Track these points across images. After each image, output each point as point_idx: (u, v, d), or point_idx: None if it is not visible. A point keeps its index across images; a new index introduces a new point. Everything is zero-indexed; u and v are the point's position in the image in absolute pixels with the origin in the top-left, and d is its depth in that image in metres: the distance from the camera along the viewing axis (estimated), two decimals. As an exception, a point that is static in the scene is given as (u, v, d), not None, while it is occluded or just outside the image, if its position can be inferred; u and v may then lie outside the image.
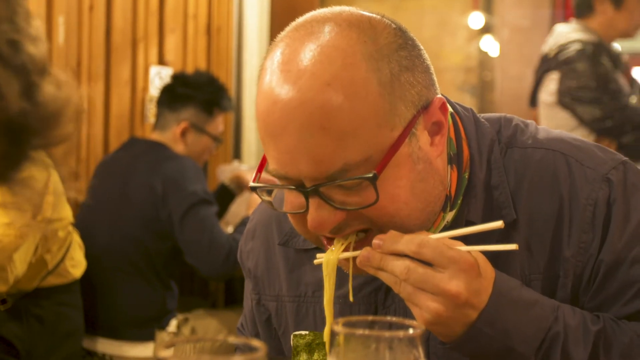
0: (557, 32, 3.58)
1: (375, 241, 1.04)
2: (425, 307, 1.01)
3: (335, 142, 1.03)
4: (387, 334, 0.83)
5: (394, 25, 1.10)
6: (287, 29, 1.11)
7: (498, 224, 1.04)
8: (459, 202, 1.18)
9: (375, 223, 1.09)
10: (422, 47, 1.13)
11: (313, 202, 1.07)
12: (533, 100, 3.59)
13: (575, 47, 3.39)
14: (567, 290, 1.16)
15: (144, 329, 3.07)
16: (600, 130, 3.29)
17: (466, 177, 1.19)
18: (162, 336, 3.03)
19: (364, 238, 1.11)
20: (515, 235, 1.17)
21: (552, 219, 1.16)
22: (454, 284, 1.00)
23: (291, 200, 1.13)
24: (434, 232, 1.15)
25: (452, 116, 1.21)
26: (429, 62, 1.14)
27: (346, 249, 1.11)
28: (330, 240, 1.12)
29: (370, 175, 1.04)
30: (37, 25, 0.94)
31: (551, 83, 3.44)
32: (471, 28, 6.46)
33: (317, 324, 1.28)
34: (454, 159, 1.18)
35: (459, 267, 1.00)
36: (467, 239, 1.06)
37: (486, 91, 6.52)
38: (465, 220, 1.17)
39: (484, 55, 6.54)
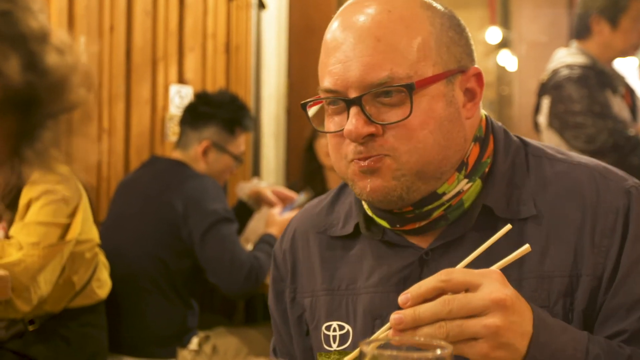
0: (555, 56, 3.59)
1: (400, 297, 1.03)
2: (482, 329, 1.00)
3: (385, 53, 1.19)
4: (415, 355, 0.84)
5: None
6: None
7: (507, 228, 1.10)
8: (478, 182, 1.26)
9: (398, 148, 1.19)
10: (469, 33, 1.29)
11: (353, 111, 1.20)
12: (536, 125, 3.60)
13: (564, 72, 3.40)
14: (587, 291, 1.19)
15: (165, 347, 3.08)
16: (590, 153, 3.26)
17: (488, 161, 1.27)
18: (184, 354, 3.04)
19: (376, 161, 1.20)
20: (533, 231, 1.23)
21: (574, 224, 1.22)
22: (495, 292, 1.01)
23: (334, 121, 1.26)
24: (448, 190, 1.24)
25: (485, 117, 1.32)
26: (472, 43, 1.29)
27: None
28: (361, 161, 1.21)
29: (410, 83, 1.18)
30: None
31: (545, 107, 3.47)
32: (489, 43, 6.46)
33: (349, 316, 1.32)
34: (479, 139, 1.28)
35: (491, 278, 1.02)
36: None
37: (504, 106, 6.50)
38: (483, 204, 1.25)
39: (501, 70, 6.53)
